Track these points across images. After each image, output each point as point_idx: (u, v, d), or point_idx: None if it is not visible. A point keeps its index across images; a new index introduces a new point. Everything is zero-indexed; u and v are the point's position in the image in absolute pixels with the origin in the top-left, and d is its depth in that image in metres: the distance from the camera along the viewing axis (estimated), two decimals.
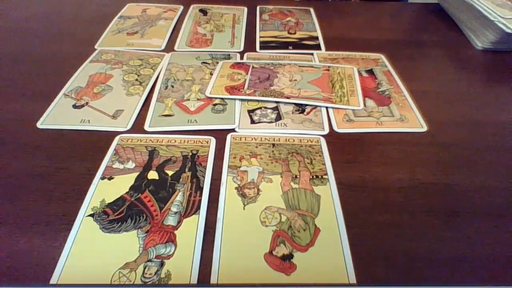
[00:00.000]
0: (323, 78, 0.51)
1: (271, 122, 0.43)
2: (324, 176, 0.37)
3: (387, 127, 0.43)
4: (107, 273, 0.28)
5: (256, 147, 0.40)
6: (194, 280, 0.28)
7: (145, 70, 0.51)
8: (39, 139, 0.40)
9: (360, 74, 0.52)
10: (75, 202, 0.34)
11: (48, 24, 0.64)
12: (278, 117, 0.44)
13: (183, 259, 0.29)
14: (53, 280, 0.28)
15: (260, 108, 0.45)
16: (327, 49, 0.58)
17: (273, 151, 0.39)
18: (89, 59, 0.54)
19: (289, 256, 0.30)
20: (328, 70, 0.52)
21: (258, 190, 0.35)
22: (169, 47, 0.58)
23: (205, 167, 0.37)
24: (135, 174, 0.36)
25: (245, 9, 0.70)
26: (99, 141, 0.40)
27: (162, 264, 0.29)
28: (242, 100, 0.46)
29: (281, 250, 0.30)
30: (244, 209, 0.33)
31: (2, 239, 0.31)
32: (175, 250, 0.30)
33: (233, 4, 0.71)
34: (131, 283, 0.28)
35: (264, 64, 0.53)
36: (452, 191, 0.36)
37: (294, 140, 0.41)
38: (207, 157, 0.38)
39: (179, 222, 0.32)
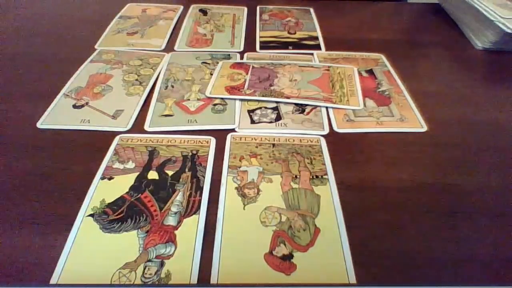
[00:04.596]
0: (323, 78, 0.51)
1: (271, 122, 0.43)
2: (324, 176, 0.37)
3: (387, 127, 0.43)
4: (107, 273, 0.28)
5: (256, 147, 0.40)
6: (194, 280, 0.28)
7: (145, 70, 0.51)
8: (39, 139, 0.40)
9: (360, 74, 0.52)
10: (75, 202, 0.34)
11: (48, 24, 0.64)
12: (278, 117, 0.44)
13: (183, 259, 0.29)
14: (53, 280, 0.28)
15: (260, 108, 0.45)
16: (327, 49, 0.58)
17: (273, 151, 0.39)
18: (89, 59, 0.53)
19: (289, 256, 0.30)
20: (328, 70, 0.52)
21: (258, 190, 0.35)
22: (169, 47, 0.58)
23: (205, 167, 0.37)
24: (135, 174, 0.36)
25: (245, 9, 0.70)
26: (99, 141, 0.40)
27: (162, 264, 0.29)
28: (242, 100, 0.46)
29: (281, 250, 0.30)
30: (244, 209, 0.33)
31: (2, 239, 0.31)
32: (175, 250, 0.30)
33: (233, 4, 0.71)
34: (131, 283, 0.28)
35: (264, 64, 0.53)
36: (452, 191, 0.36)
37: (294, 140, 0.41)
38: (207, 157, 0.38)
39: (179, 222, 0.32)
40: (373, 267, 0.30)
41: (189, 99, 0.46)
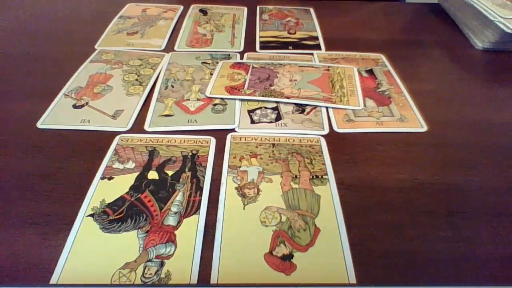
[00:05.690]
0: (323, 78, 0.51)
1: (271, 122, 0.43)
2: (324, 176, 0.37)
3: (387, 127, 0.43)
4: (107, 273, 0.28)
5: (256, 147, 0.40)
6: (194, 280, 0.28)
7: (145, 70, 0.51)
8: (39, 139, 0.40)
9: (360, 74, 0.52)
10: (75, 202, 0.34)
11: (48, 24, 0.64)
12: (278, 117, 0.44)
13: (183, 259, 0.29)
14: (53, 280, 0.28)
15: (260, 108, 0.45)
16: (327, 49, 0.58)
17: (273, 151, 0.39)
18: (89, 59, 0.54)
19: (289, 256, 0.30)
20: (328, 70, 0.52)
21: (258, 190, 0.35)
22: (169, 47, 0.58)
23: (205, 167, 0.37)
24: (135, 174, 0.36)
25: (245, 9, 0.70)
26: (99, 141, 0.40)
27: (162, 264, 0.29)
28: (242, 100, 0.46)
29: (281, 250, 0.30)
30: (244, 209, 0.33)
31: (2, 239, 0.31)
32: (175, 250, 0.30)
33: (233, 4, 0.71)
34: (131, 283, 0.28)
35: (264, 64, 0.53)
36: (452, 191, 0.36)
37: (294, 140, 0.41)
38: (207, 157, 0.38)
39: (179, 222, 0.32)
40: (373, 267, 0.30)
41: (189, 99, 0.46)
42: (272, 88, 0.48)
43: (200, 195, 0.34)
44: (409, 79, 0.51)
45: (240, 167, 0.38)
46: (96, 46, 0.57)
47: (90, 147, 0.40)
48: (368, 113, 0.45)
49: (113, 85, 0.49)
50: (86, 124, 0.42)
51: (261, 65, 0.53)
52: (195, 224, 0.32)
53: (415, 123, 0.44)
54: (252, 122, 0.43)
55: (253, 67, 0.52)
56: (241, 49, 0.58)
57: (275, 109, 0.45)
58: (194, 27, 0.63)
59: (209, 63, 0.54)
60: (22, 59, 0.54)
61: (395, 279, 0.29)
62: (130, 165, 0.37)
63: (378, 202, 0.35)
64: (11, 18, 0.65)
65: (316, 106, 0.46)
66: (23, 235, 0.31)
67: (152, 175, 0.36)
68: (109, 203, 0.33)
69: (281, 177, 0.37)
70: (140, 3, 0.70)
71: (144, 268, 0.29)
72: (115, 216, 0.32)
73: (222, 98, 0.47)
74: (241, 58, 0.56)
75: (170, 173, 0.37)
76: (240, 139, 0.41)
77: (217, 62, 0.53)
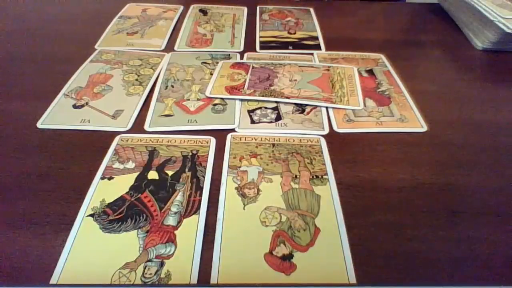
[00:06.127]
0: (323, 78, 0.51)
1: (271, 122, 0.43)
2: (324, 176, 0.37)
3: (387, 127, 0.43)
4: (107, 273, 0.28)
5: (256, 147, 0.40)
6: (194, 280, 0.28)
7: (145, 70, 0.51)
8: (39, 139, 0.40)
9: (360, 74, 0.52)
10: (75, 202, 0.34)
11: (48, 24, 0.64)
12: (278, 117, 0.44)
13: (183, 259, 0.29)
14: (53, 280, 0.28)
15: (260, 108, 0.45)
16: (327, 49, 0.58)
17: (273, 151, 0.39)
18: (89, 59, 0.54)
19: (289, 256, 0.30)
20: (328, 70, 0.52)
21: (258, 190, 0.35)
22: (169, 47, 0.58)
23: (205, 167, 0.37)
24: (135, 174, 0.36)
25: (245, 9, 0.70)
26: (99, 141, 0.40)
27: (162, 264, 0.29)
28: (242, 100, 0.46)
29: (281, 250, 0.30)
30: (244, 209, 0.33)
31: (2, 239, 0.31)
32: (175, 250, 0.30)
33: (233, 4, 0.71)
34: (131, 283, 0.28)
35: (264, 64, 0.53)
36: (452, 191, 0.36)
37: (294, 140, 0.41)
38: (207, 157, 0.38)
39: (179, 222, 0.32)
40: (373, 267, 0.30)
41: (189, 99, 0.46)
42: (272, 88, 0.48)
43: (200, 195, 0.34)
44: (409, 79, 0.51)
45: (240, 167, 0.38)
46: (96, 46, 0.57)
47: (90, 147, 0.40)
48: (368, 113, 0.45)
49: (113, 85, 0.49)
50: (86, 124, 0.42)
51: (261, 65, 0.53)
52: (195, 224, 0.32)
53: (415, 123, 0.44)
54: (252, 122, 0.43)
55: (253, 67, 0.52)
56: (241, 49, 0.58)
57: (275, 109, 0.45)
58: (194, 27, 0.63)
59: (209, 63, 0.54)
60: (22, 59, 0.54)
61: (395, 279, 0.29)
62: (130, 165, 0.37)
63: (378, 202, 0.35)
64: (11, 18, 0.65)
65: (316, 106, 0.46)
66: (23, 235, 0.31)
67: (152, 175, 0.36)
68: (109, 203, 0.33)
69: (281, 177, 0.37)
70: (140, 3, 0.70)
71: (144, 268, 0.29)
72: (115, 216, 0.32)
73: (222, 98, 0.47)
74: (241, 58, 0.56)
75: (170, 173, 0.37)
76: (240, 139, 0.41)
77: (217, 62, 0.53)
